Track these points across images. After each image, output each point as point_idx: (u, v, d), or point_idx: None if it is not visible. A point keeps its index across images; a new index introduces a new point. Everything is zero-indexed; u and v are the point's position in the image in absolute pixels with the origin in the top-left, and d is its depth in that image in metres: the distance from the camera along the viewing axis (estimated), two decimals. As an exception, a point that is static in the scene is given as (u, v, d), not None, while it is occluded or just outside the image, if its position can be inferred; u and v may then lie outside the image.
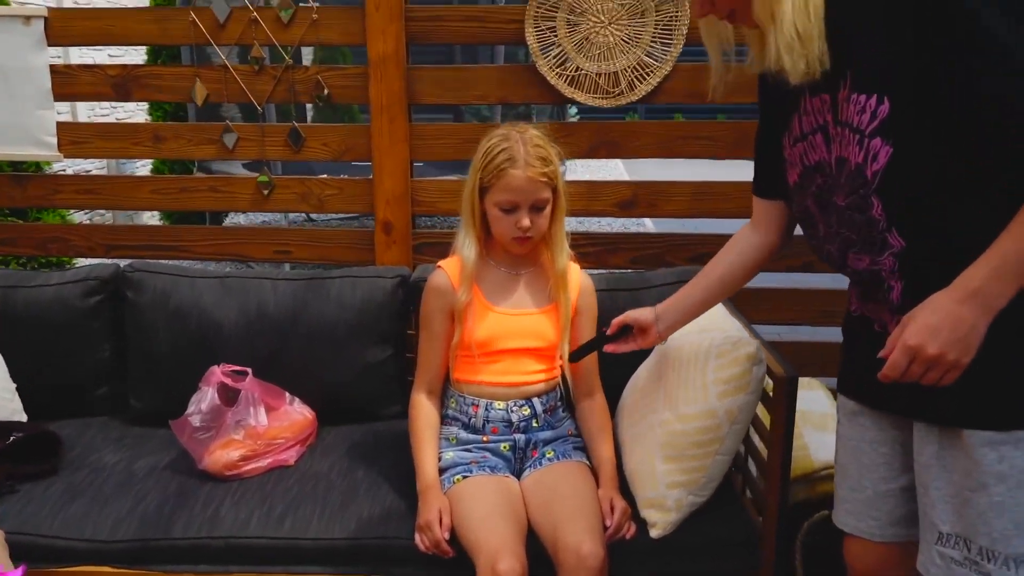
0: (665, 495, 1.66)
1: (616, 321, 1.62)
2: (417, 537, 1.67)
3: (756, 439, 1.78)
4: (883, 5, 1.08)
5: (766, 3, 1.13)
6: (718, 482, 1.68)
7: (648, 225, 6.64)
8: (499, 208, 1.75)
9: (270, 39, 2.29)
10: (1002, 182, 1.06)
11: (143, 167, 6.63)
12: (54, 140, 2.38)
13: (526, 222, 1.74)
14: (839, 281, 2.52)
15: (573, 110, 9.28)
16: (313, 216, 6.08)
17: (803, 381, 2.33)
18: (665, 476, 1.66)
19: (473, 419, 1.82)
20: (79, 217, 5.86)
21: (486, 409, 1.81)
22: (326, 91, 2.31)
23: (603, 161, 10.67)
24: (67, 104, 5.99)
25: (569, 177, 2.26)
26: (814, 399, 2.20)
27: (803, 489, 1.90)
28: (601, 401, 1.91)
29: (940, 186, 1.09)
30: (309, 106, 3.67)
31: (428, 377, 1.87)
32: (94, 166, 6.29)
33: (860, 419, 1.32)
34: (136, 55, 6.60)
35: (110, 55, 6.41)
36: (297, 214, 6.26)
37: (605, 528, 1.65)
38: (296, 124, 2.34)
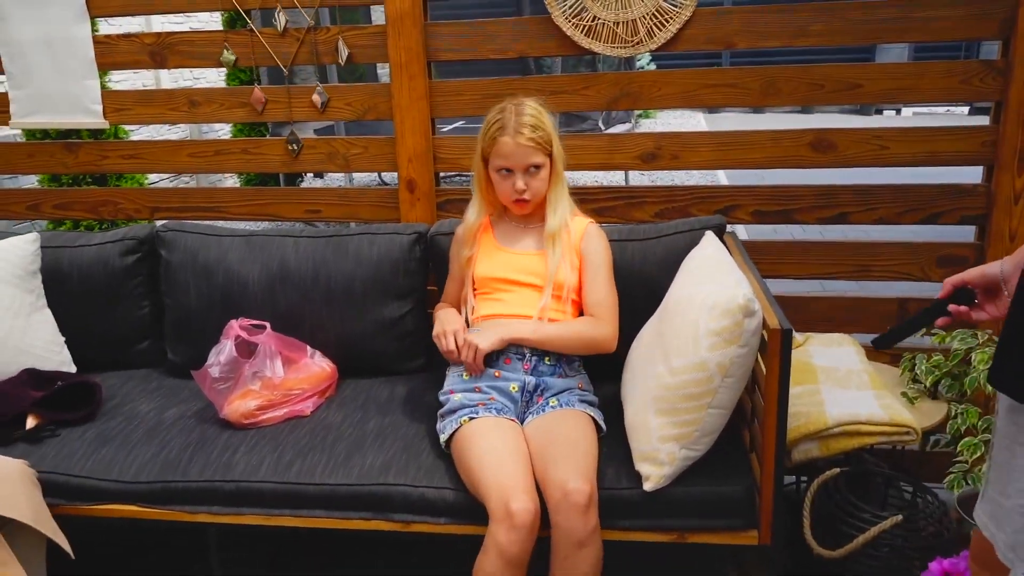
0: (658, 448, 1.65)
1: (950, 280, 1.20)
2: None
3: (761, 394, 1.73)
4: None
5: None
6: (713, 436, 1.65)
7: (720, 178, 6.44)
8: (497, 172, 1.92)
9: (292, 1, 2.33)
10: None
11: (225, 133, 6.90)
12: (99, 108, 2.51)
13: (520, 184, 1.90)
14: (873, 233, 2.39)
15: (644, 60, 8.93)
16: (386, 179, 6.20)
17: (832, 337, 2.24)
18: (657, 430, 1.64)
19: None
20: (165, 184, 6.16)
21: None
22: (347, 51, 2.34)
23: (686, 116, 10.40)
24: (151, 75, 6.27)
25: (644, 129, 2.20)
26: (841, 356, 2.11)
27: (815, 447, 1.84)
28: (605, 328, 1.91)
29: None
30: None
31: (448, 302, 2.08)
32: (177, 135, 6.58)
33: (1016, 417, 1.11)
34: (214, 23, 6.82)
35: (175, 20, 6.61)
36: (371, 177, 6.42)
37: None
38: (320, 84, 2.39)
